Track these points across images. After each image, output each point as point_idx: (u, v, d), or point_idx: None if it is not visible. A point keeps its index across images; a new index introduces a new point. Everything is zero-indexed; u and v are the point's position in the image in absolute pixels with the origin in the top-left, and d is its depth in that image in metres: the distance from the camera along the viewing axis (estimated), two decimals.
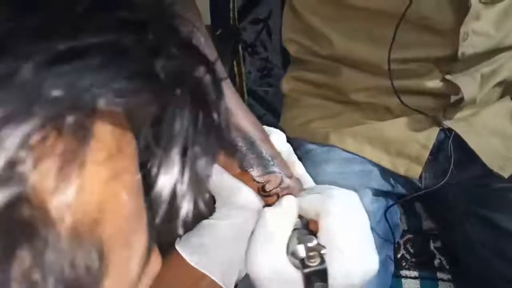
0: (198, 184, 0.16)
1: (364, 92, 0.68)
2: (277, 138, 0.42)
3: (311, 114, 0.75)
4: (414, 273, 0.72)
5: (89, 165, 0.14)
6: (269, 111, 0.95)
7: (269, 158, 0.38)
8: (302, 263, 0.32)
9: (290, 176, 0.39)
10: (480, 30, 0.61)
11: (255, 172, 0.38)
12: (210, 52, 0.39)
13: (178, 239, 0.43)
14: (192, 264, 0.40)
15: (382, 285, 0.63)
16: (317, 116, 0.74)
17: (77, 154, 0.13)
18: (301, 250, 0.33)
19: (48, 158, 0.13)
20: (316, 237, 0.34)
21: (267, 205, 0.39)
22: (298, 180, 0.40)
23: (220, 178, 0.39)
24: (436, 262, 0.74)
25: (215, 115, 0.16)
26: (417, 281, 0.72)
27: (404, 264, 0.74)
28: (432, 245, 0.76)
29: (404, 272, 0.73)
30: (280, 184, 0.38)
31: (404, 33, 0.59)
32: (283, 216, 0.35)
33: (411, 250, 0.75)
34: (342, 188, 0.38)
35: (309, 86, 0.75)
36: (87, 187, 0.14)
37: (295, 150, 0.73)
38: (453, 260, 0.73)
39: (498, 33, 0.63)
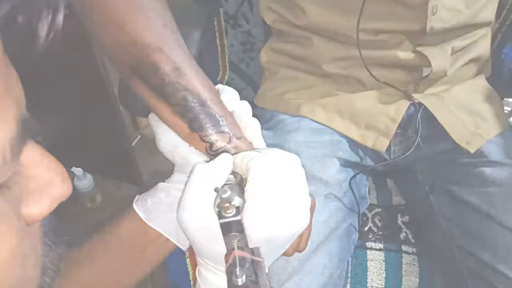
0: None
1: (336, 63, 0.69)
2: (229, 96, 0.42)
3: (286, 86, 0.75)
4: (379, 245, 0.74)
5: None
6: (249, 85, 0.95)
7: (219, 118, 0.39)
8: (218, 214, 0.33)
9: (240, 137, 0.40)
10: (449, 5, 0.61)
11: (204, 133, 0.39)
12: None
13: (135, 198, 0.44)
14: (148, 223, 0.41)
15: (344, 251, 0.64)
16: (291, 88, 0.74)
17: None
18: (217, 202, 0.35)
19: None
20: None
21: None
22: (248, 142, 0.41)
23: (175, 145, 0.40)
24: (402, 235, 0.75)
25: None
26: (382, 253, 0.73)
27: (370, 236, 0.75)
28: (399, 219, 0.77)
29: (369, 244, 0.74)
30: (228, 143, 0.39)
31: (374, 4, 0.59)
32: (214, 172, 0.36)
33: (379, 224, 0.77)
34: (285, 151, 0.38)
35: (285, 57, 0.76)
36: None
37: (267, 121, 0.74)
38: (418, 234, 0.75)
39: (468, 9, 0.63)
